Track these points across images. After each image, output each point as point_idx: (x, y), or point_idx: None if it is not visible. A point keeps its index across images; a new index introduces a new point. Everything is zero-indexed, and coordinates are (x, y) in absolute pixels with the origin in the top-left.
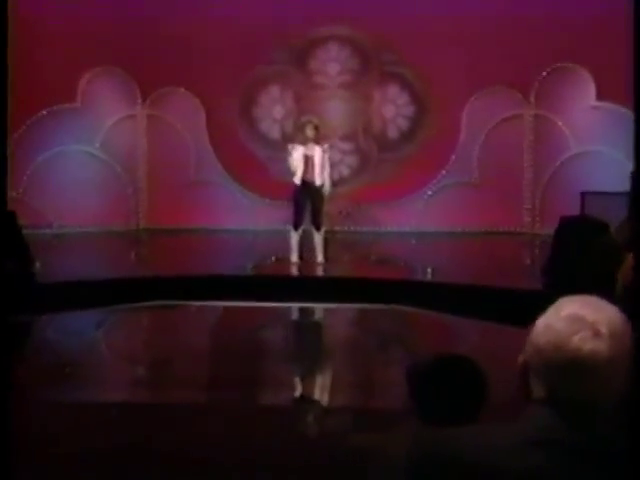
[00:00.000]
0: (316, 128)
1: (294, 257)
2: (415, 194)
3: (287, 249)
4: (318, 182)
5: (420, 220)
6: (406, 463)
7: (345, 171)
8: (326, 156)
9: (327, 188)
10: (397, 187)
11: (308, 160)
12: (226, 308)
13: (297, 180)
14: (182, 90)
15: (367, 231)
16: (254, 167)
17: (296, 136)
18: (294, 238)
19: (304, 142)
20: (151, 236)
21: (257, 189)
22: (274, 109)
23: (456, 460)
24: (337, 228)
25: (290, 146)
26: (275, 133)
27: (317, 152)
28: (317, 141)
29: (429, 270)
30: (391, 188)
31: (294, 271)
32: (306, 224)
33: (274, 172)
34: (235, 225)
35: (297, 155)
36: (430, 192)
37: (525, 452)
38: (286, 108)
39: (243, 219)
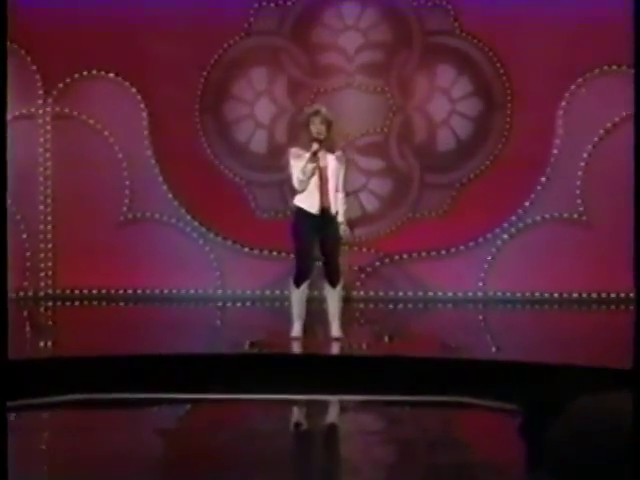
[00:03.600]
0: (327, 123)
1: (296, 330)
2: (481, 239)
3: (279, 319)
4: (334, 209)
5: (489, 280)
6: None
7: (369, 203)
8: (342, 169)
9: (341, 219)
10: (452, 228)
11: (321, 175)
12: (181, 404)
13: (301, 202)
14: (111, 76)
15: (404, 297)
16: (226, 198)
17: (299, 138)
18: (296, 299)
19: (311, 144)
20: (61, 304)
21: (230, 232)
22: (257, 106)
23: None
24: (357, 293)
25: (294, 150)
26: (259, 143)
27: (331, 163)
28: (330, 145)
29: (500, 348)
30: (442, 229)
31: (295, 349)
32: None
33: (258, 205)
34: (195, 287)
35: (303, 165)
36: (506, 235)
37: None
38: (277, 104)
39: (207, 279)
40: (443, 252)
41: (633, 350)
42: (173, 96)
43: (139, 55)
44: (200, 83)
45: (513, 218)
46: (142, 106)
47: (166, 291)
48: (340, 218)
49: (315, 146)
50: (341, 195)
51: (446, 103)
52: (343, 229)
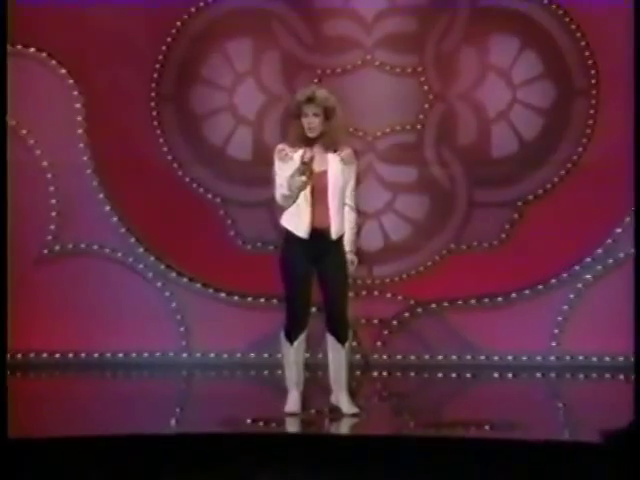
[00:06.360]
0: (326, 112)
1: (292, 402)
2: (554, 280)
3: (269, 391)
4: (335, 232)
5: (565, 338)
6: None
7: (395, 230)
8: (351, 175)
9: (348, 246)
10: (512, 265)
11: (316, 182)
12: None
13: (289, 222)
14: (32, 53)
15: (444, 363)
16: (194, 223)
17: (288, 134)
18: (290, 359)
19: (302, 144)
20: None
21: (200, 270)
22: (238, 94)
23: None
24: (379, 357)
25: (280, 148)
26: (241, 146)
27: (333, 166)
28: (332, 142)
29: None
30: (498, 267)
31: (291, 427)
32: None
33: (239, 232)
34: (150, 349)
35: (289, 176)
36: (589, 275)
37: None
38: (265, 91)
39: (168, 337)
40: (499, 299)
41: None
42: (119, 80)
43: (71, 24)
44: (157, 62)
45: (599, 251)
46: (76, 94)
47: (108, 355)
48: (347, 245)
49: (308, 154)
50: (349, 211)
51: (504, 89)
52: (350, 260)
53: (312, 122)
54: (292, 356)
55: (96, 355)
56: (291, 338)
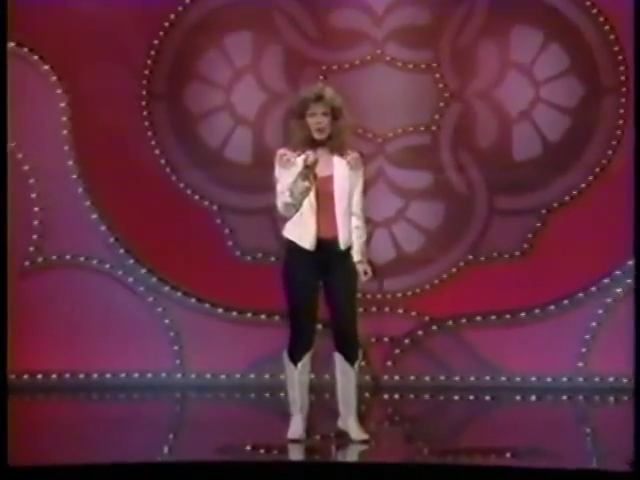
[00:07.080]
0: (334, 112)
1: (295, 427)
2: (581, 294)
3: (271, 416)
4: (343, 242)
5: (593, 358)
6: None
7: (408, 240)
8: (358, 181)
9: (358, 257)
10: (535, 278)
11: (320, 188)
12: None
13: (291, 233)
14: (12, 48)
15: (461, 385)
16: (189, 232)
17: (292, 136)
18: (294, 380)
19: (306, 147)
20: None
21: (195, 284)
22: (237, 91)
23: None
24: (389, 378)
25: (281, 153)
26: (240, 148)
27: (339, 170)
28: (339, 145)
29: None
30: (520, 280)
31: (295, 455)
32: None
33: (238, 243)
34: (140, 370)
35: (291, 182)
36: (619, 289)
37: None
38: (266, 88)
39: (160, 356)
40: (522, 315)
41: None
42: (107, 77)
43: (55, 16)
44: (149, 57)
45: (630, 263)
46: (60, 92)
47: (95, 376)
48: (356, 256)
49: (311, 157)
50: (357, 219)
51: (527, 87)
52: (363, 269)
53: (322, 122)
54: (296, 378)
55: (82, 376)
56: (295, 359)
